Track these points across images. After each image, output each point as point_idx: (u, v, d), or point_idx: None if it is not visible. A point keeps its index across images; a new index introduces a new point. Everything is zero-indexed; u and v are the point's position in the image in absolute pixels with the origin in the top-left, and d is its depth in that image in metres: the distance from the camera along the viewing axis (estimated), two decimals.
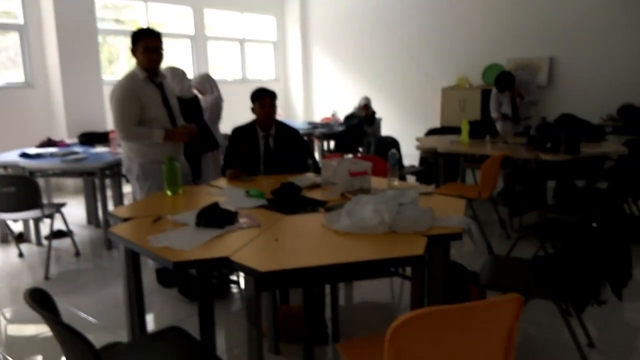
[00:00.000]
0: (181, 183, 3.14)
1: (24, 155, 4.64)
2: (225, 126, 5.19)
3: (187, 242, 2.16)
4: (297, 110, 10.56)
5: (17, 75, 6.57)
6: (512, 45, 7.98)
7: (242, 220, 2.46)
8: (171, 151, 3.49)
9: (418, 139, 5.87)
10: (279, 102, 3.83)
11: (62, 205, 4.31)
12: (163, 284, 3.67)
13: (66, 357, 1.65)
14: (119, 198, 4.67)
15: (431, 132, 6.70)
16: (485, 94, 7.55)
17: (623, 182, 4.53)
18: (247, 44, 9.91)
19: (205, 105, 4.89)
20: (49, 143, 5.34)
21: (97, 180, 4.54)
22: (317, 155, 7.13)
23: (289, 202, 3.00)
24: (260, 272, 1.86)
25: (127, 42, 3.45)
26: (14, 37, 6.51)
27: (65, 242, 4.63)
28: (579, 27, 7.41)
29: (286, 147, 3.73)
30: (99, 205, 4.77)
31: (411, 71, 9.14)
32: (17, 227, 4.85)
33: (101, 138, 5.51)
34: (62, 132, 6.54)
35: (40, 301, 1.53)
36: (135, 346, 2.08)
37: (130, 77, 3.43)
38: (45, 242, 4.65)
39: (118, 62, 8.08)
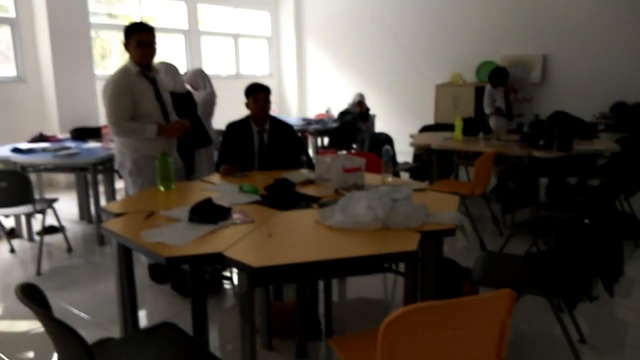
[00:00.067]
0: (174, 179, 3.12)
1: (16, 150, 4.61)
2: (219, 122, 5.18)
3: (180, 238, 2.15)
4: (291, 107, 10.54)
5: (8, 70, 6.51)
6: (506, 42, 8.00)
7: (236, 216, 2.46)
8: (164, 146, 3.47)
9: (412, 136, 5.88)
10: (273, 98, 3.82)
11: (54, 200, 4.28)
12: (156, 279, 3.66)
13: (58, 353, 1.64)
14: (111, 194, 4.65)
15: (425, 129, 6.71)
16: (479, 91, 7.57)
17: (615, 179, 4.55)
18: (241, 39, 9.87)
19: (197, 100, 4.87)
20: (41, 138, 5.30)
21: (89, 175, 4.52)
22: (310, 152, 7.13)
23: (282, 198, 3.01)
24: (253, 268, 1.86)
25: (120, 36, 3.43)
26: (5, 31, 6.45)
27: (57, 238, 4.60)
28: (573, 25, 7.44)
29: (281, 142, 3.72)
30: (91, 200, 4.74)
31: (405, 68, 9.14)
32: (9, 223, 4.81)
33: (93, 133, 5.47)
34: (54, 127, 6.50)
35: (31, 297, 1.52)
36: (128, 342, 2.07)
37: (123, 72, 3.41)
38: (37, 237, 4.62)
39: (111, 57, 8.03)
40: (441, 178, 5.28)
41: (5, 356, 2.74)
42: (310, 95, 10.51)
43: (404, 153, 6.32)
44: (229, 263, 1.98)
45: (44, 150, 4.66)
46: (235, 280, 3.53)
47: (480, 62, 8.22)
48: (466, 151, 5.27)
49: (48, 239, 4.56)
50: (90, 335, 1.81)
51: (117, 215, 2.55)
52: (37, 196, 4.38)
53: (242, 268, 1.92)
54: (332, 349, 2.05)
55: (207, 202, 2.46)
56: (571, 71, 7.55)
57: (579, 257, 2.43)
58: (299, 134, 5.99)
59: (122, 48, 3.45)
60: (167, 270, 3.55)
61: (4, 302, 3.49)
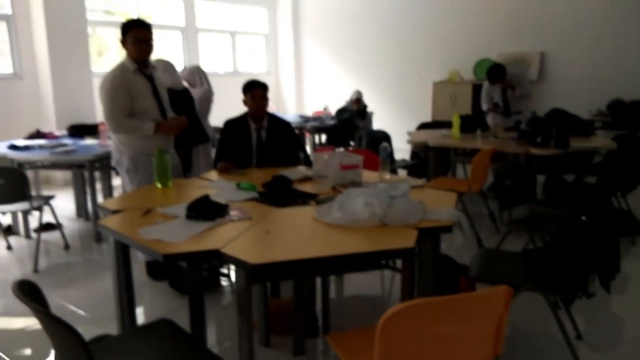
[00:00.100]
0: (171, 176, 3.12)
1: (13, 147, 4.60)
2: (216, 119, 5.16)
3: (178, 235, 2.15)
4: (288, 104, 10.53)
5: (5, 66, 6.49)
6: (504, 39, 8.00)
7: (233, 212, 2.46)
8: (161, 144, 3.47)
9: (409, 133, 5.88)
10: (270, 96, 3.82)
11: (51, 197, 4.28)
12: (153, 277, 3.66)
13: (55, 349, 1.64)
14: (108, 191, 4.64)
15: (422, 126, 6.71)
16: (476, 89, 7.58)
17: (612, 176, 4.56)
18: (239, 36, 9.85)
19: (194, 98, 4.86)
20: (38, 135, 5.29)
21: (86, 172, 4.51)
22: (308, 149, 7.13)
23: (280, 195, 3.01)
24: (251, 265, 1.86)
25: (117, 33, 3.42)
26: (1, 27, 6.42)
27: (54, 235, 4.59)
28: (571, 23, 7.45)
29: (278, 139, 3.72)
30: (88, 198, 4.74)
31: (403, 65, 9.14)
32: (6, 220, 4.80)
33: (90, 130, 5.47)
34: (51, 124, 6.48)
35: (29, 293, 1.51)
36: (125, 338, 2.07)
37: (120, 68, 3.40)
38: (34, 234, 4.62)
39: (108, 54, 8.00)
40: (438, 175, 5.28)
41: (3, 353, 2.74)
42: (308, 92, 10.50)
43: (401, 150, 6.33)
44: (226, 260, 1.98)
45: (40, 147, 4.66)
46: (233, 277, 3.53)
47: (478, 60, 8.22)
48: (463, 148, 5.28)
49: (45, 236, 4.56)
50: (87, 332, 1.81)
51: (114, 212, 2.54)
52: (34, 193, 4.38)
53: (240, 265, 1.92)
54: (329, 345, 2.05)
55: (205, 199, 2.46)
56: (568, 68, 7.56)
57: (575, 253, 2.44)
58: (297, 131, 5.99)
59: (119, 45, 3.44)
60: (165, 268, 3.55)
61: (0, 300, 3.48)
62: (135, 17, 3.43)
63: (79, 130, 5.46)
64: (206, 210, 2.38)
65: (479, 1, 8.20)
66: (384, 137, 5.75)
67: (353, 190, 2.43)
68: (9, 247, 4.39)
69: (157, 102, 3.53)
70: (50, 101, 6.57)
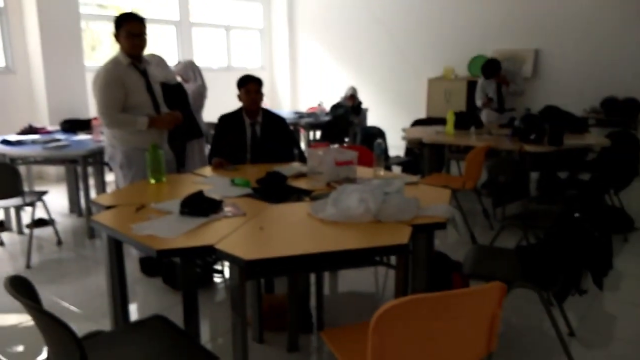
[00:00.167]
0: (165, 171, 3.11)
1: (5, 142, 4.56)
2: (211, 115, 5.15)
3: (171, 230, 2.14)
4: (283, 100, 10.51)
5: None
6: (498, 36, 8.01)
7: (227, 208, 2.45)
8: (155, 139, 3.45)
9: (404, 130, 5.89)
10: (265, 91, 3.80)
11: (44, 193, 4.25)
12: (147, 273, 3.65)
13: (48, 346, 1.63)
14: (101, 186, 4.62)
15: (417, 123, 6.72)
16: (471, 85, 7.59)
17: (605, 173, 4.59)
18: (233, 31, 9.81)
19: (188, 93, 4.84)
20: (31, 130, 5.25)
21: (79, 168, 4.48)
22: (303, 145, 7.12)
23: (274, 191, 3.00)
24: (245, 261, 1.86)
25: (110, 27, 3.40)
26: None
27: (47, 231, 4.57)
28: (565, 20, 7.46)
29: (273, 135, 3.71)
30: (82, 193, 4.71)
31: (397, 62, 9.13)
32: None
33: (84, 125, 5.44)
34: (43, 119, 6.43)
35: (21, 289, 1.50)
36: (118, 335, 2.06)
37: (114, 63, 3.37)
38: (26, 230, 4.59)
39: (101, 48, 7.95)
40: (433, 172, 5.29)
41: None
42: (303, 88, 10.48)
43: (396, 147, 6.33)
44: (220, 256, 1.98)
45: (33, 142, 4.62)
46: (227, 274, 3.52)
47: (472, 56, 8.23)
48: (458, 145, 5.28)
49: (38, 231, 4.53)
50: (80, 329, 1.81)
51: (108, 207, 2.53)
52: (26, 189, 4.35)
53: (234, 261, 1.92)
54: (323, 341, 2.05)
55: (199, 195, 2.45)
56: (562, 66, 7.58)
57: (568, 250, 2.45)
58: (291, 128, 5.98)
59: (112, 39, 3.42)
60: (158, 264, 3.54)
61: None
62: (128, 10, 3.40)
63: (72, 126, 5.43)
64: (200, 206, 2.37)
65: None
66: (379, 133, 5.75)
67: (347, 187, 2.43)
68: (1, 243, 4.37)
69: (151, 97, 3.51)
70: (43, 96, 6.52)
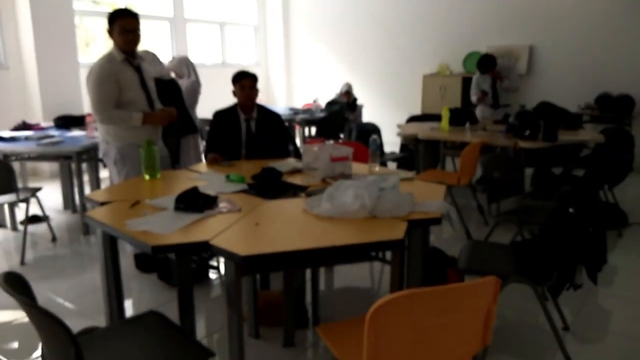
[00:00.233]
0: (159, 167, 3.10)
1: None
2: (205, 111, 5.13)
3: (166, 226, 2.14)
4: (278, 96, 10.49)
5: None
6: (493, 33, 8.02)
7: (222, 204, 2.44)
8: (149, 135, 3.44)
9: (399, 126, 5.89)
10: (260, 88, 3.79)
11: (38, 189, 4.23)
12: (142, 269, 3.64)
13: (43, 342, 1.62)
14: (95, 183, 4.60)
15: (412, 119, 6.72)
16: (466, 82, 7.60)
17: (599, 169, 4.61)
18: (227, 27, 9.78)
19: (182, 89, 4.82)
20: (24, 126, 5.22)
21: (73, 164, 4.46)
22: (298, 142, 7.11)
23: (269, 187, 3.00)
24: (240, 256, 1.86)
25: (104, 23, 3.38)
26: None
27: (41, 227, 4.55)
28: (559, 17, 7.47)
29: (268, 131, 3.71)
30: (76, 190, 4.69)
31: (393, 58, 9.12)
32: None
33: (77, 121, 5.41)
34: (37, 115, 6.40)
35: (15, 286, 1.50)
36: (113, 331, 2.05)
37: (108, 59, 3.35)
38: (20, 227, 4.57)
39: (95, 44, 7.91)
40: (428, 168, 5.30)
41: None
42: (298, 84, 10.47)
43: (391, 143, 6.34)
44: (215, 252, 1.97)
45: (27, 138, 4.60)
46: (222, 270, 3.52)
47: (467, 53, 8.24)
48: (453, 141, 5.29)
49: (32, 228, 4.51)
50: (75, 325, 1.80)
51: (102, 204, 2.52)
52: (20, 185, 4.32)
53: (229, 256, 1.92)
54: (319, 336, 2.05)
55: (193, 191, 2.44)
56: (557, 62, 7.60)
57: (563, 245, 2.46)
58: (286, 124, 5.97)
59: (106, 35, 3.40)
60: (153, 260, 3.53)
61: None
62: (122, 6, 3.38)
63: (66, 122, 5.40)
64: (195, 202, 2.37)
65: None
66: (374, 129, 5.75)
67: (343, 182, 2.43)
68: None
69: (145, 93, 3.49)
70: (36, 92, 6.48)
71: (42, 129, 5.26)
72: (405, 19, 8.87)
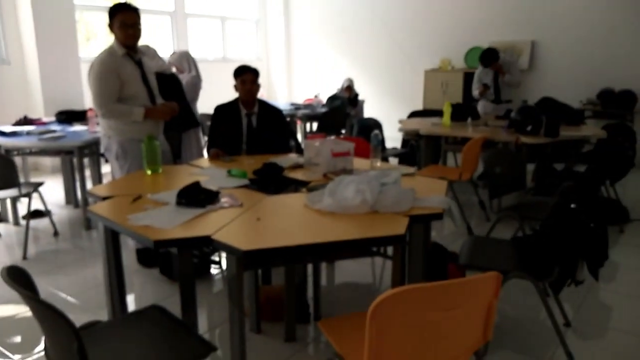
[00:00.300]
0: (161, 162, 3.10)
1: (0, 133, 4.54)
2: (206, 106, 5.12)
3: (168, 221, 2.14)
4: (279, 91, 10.47)
5: None
6: (495, 28, 7.99)
7: (224, 199, 2.45)
8: (151, 129, 3.44)
9: (400, 121, 5.88)
10: (261, 83, 3.79)
11: (40, 184, 4.23)
12: (144, 264, 3.65)
13: (46, 336, 1.63)
14: (97, 177, 4.60)
15: (413, 115, 6.71)
16: (468, 77, 7.58)
17: (601, 165, 4.60)
18: (228, 21, 9.76)
19: (182, 83, 4.81)
20: (26, 121, 5.23)
21: (75, 159, 4.47)
22: (299, 137, 7.11)
23: (271, 182, 3.00)
24: (242, 251, 1.86)
25: (105, 18, 3.37)
26: None
27: (43, 222, 4.56)
28: (562, 12, 7.45)
29: (269, 126, 3.70)
30: (78, 184, 4.70)
31: (394, 53, 9.10)
32: None
33: (79, 116, 5.42)
34: (39, 110, 6.40)
35: (18, 280, 1.50)
36: (115, 325, 2.06)
37: (109, 53, 3.35)
38: (22, 221, 4.58)
39: (96, 39, 7.90)
40: (429, 163, 5.29)
41: None
42: (299, 80, 10.45)
43: (392, 139, 6.33)
44: (217, 246, 1.98)
45: (28, 133, 4.60)
46: (224, 265, 3.53)
47: (469, 48, 8.22)
48: (454, 137, 5.28)
49: (34, 223, 4.52)
50: (77, 319, 1.80)
51: (104, 198, 2.52)
52: (22, 180, 4.33)
53: (231, 251, 1.92)
54: (320, 331, 2.06)
55: (195, 186, 2.44)
56: (559, 57, 7.58)
57: (564, 241, 2.46)
58: (288, 119, 5.97)
59: (107, 30, 3.39)
60: (155, 255, 3.54)
61: None
62: (122, 1, 3.37)
63: (68, 117, 5.41)
64: (197, 197, 2.37)
65: None
66: (375, 125, 5.74)
67: (344, 178, 2.43)
68: None
69: (146, 88, 3.49)
70: (37, 87, 6.48)
71: (44, 123, 5.27)
72: (407, 14, 8.84)
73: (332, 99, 7.40)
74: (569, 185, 2.74)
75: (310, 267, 3.00)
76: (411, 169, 3.21)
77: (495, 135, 4.83)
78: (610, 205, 4.53)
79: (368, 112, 8.08)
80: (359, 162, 3.26)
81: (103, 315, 2.70)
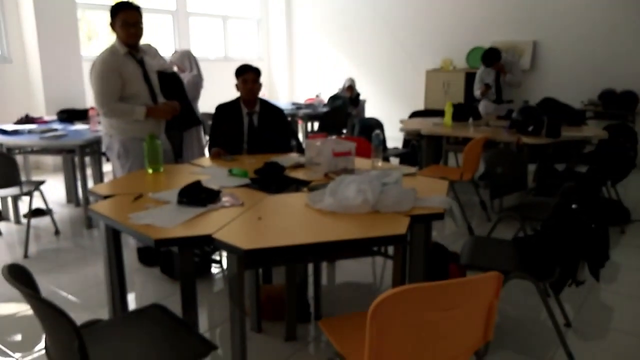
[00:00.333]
0: (162, 161, 3.10)
1: (1, 131, 4.54)
2: (207, 105, 5.12)
3: (169, 220, 2.14)
4: (280, 91, 10.48)
5: None
6: (497, 28, 7.99)
7: (225, 198, 2.45)
8: (153, 128, 3.44)
9: (402, 121, 5.88)
10: (262, 82, 3.79)
11: (41, 182, 4.24)
12: (144, 262, 3.65)
13: (46, 334, 1.63)
14: (99, 176, 4.61)
15: (415, 115, 6.71)
16: (469, 77, 7.58)
17: (602, 166, 4.59)
18: (230, 21, 9.76)
19: (183, 82, 4.81)
20: (27, 120, 5.23)
21: (76, 158, 4.47)
22: (300, 137, 7.11)
23: (272, 181, 3.00)
24: (243, 250, 1.86)
25: (107, 16, 3.37)
26: None
27: (44, 221, 4.56)
28: (563, 12, 7.44)
29: (270, 125, 3.71)
30: (79, 183, 4.70)
31: (396, 53, 9.10)
32: None
33: (80, 115, 5.42)
34: (40, 109, 6.41)
35: (19, 278, 1.50)
36: (116, 323, 2.06)
37: (111, 52, 3.35)
38: (24, 220, 4.58)
39: (97, 38, 7.90)
40: (430, 163, 5.30)
41: None
42: (300, 79, 10.45)
43: (393, 138, 6.33)
44: (218, 245, 1.98)
45: (30, 131, 4.61)
46: (224, 264, 3.53)
47: (471, 48, 8.21)
48: (456, 137, 5.28)
49: (35, 221, 4.53)
50: (78, 318, 1.81)
51: (105, 197, 2.52)
52: (23, 178, 4.33)
53: (232, 250, 1.92)
54: (321, 331, 2.06)
55: (196, 185, 2.44)
56: (561, 58, 7.57)
57: (565, 241, 2.46)
58: (289, 119, 5.96)
59: (109, 29, 3.39)
60: (156, 254, 3.54)
61: None
62: None
63: (69, 115, 5.41)
64: (198, 196, 2.37)
65: None
66: (377, 124, 5.74)
67: (346, 177, 2.43)
68: None
69: (148, 87, 3.49)
70: (39, 86, 6.49)
71: (45, 122, 5.27)
72: (408, 13, 8.84)
73: (333, 98, 7.40)
74: (570, 185, 2.74)
75: (311, 267, 3.01)
76: (412, 169, 3.21)
77: (497, 136, 4.83)
78: (611, 206, 4.52)
79: (369, 112, 8.08)
80: (360, 162, 3.26)
81: (104, 314, 2.70)
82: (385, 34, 9.15)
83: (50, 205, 4.52)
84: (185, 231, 2.05)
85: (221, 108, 3.73)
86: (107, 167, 4.86)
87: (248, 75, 3.61)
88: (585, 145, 5.21)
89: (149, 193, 2.53)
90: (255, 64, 3.81)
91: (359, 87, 7.80)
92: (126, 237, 2.95)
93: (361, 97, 7.79)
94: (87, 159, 4.50)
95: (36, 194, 4.11)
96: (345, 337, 1.79)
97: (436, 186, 2.73)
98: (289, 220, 2.23)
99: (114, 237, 2.49)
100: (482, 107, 6.25)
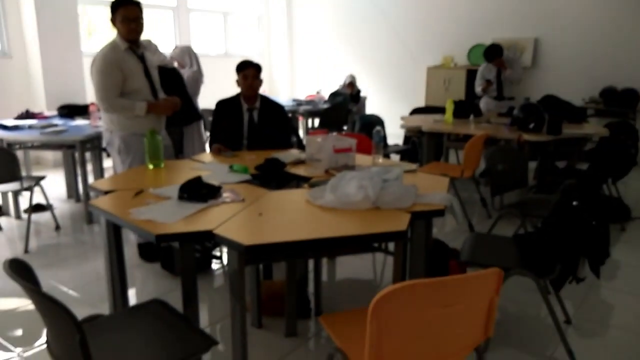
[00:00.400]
0: (163, 157, 3.10)
1: (2, 127, 4.54)
2: (208, 101, 5.11)
3: (170, 215, 2.14)
4: (281, 87, 10.46)
5: None
6: (498, 25, 7.98)
7: (226, 194, 2.45)
8: (153, 124, 3.43)
9: (403, 118, 5.88)
10: (263, 78, 3.78)
11: (42, 178, 4.24)
12: (145, 258, 3.65)
13: (48, 329, 1.63)
14: (99, 172, 4.61)
15: (416, 111, 6.71)
16: (470, 74, 7.57)
17: (603, 163, 4.60)
18: (231, 17, 9.74)
19: (183, 78, 4.80)
20: (28, 115, 5.23)
21: (77, 153, 4.47)
22: (301, 133, 7.10)
23: (273, 177, 3.00)
24: (244, 246, 1.86)
25: (107, 12, 3.36)
26: None
27: (45, 216, 4.57)
28: (565, 9, 7.43)
29: (270, 121, 3.70)
30: (79, 179, 4.70)
31: (397, 50, 9.09)
32: None
33: (81, 110, 5.41)
34: (41, 104, 6.40)
35: (20, 272, 1.50)
36: (117, 318, 2.07)
37: (112, 47, 3.35)
38: (24, 215, 4.58)
39: (98, 33, 7.89)
40: (431, 160, 5.29)
41: None
42: (301, 76, 10.44)
43: (394, 135, 6.33)
44: (219, 241, 1.98)
45: (30, 127, 4.60)
46: (225, 260, 3.53)
47: (472, 45, 8.20)
48: (456, 134, 5.28)
49: (36, 217, 4.53)
50: (79, 313, 1.81)
51: (106, 192, 2.52)
52: (24, 174, 4.33)
53: (233, 246, 1.92)
54: (321, 326, 2.07)
55: (197, 181, 2.44)
56: (562, 55, 7.56)
57: (566, 238, 2.46)
58: (289, 115, 5.96)
59: (110, 25, 3.39)
60: (157, 249, 3.54)
61: None
62: None
63: (70, 111, 5.41)
64: (199, 192, 2.37)
65: None
66: (377, 121, 5.74)
67: (346, 174, 2.43)
68: (0, 228, 4.37)
69: (149, 82, 3.49)
70: (40, 81, 6.48)
71: (46, 117, 5.27)
72: (409, 11, 8.82)
73: (334, 95, 7.39)
74: (571, 183, 2.74)
75: (311, 263, 3.01)
76: (413, 166, 3.21)
77: (498, 133, 4.82)
78: (612, 203, 4.53)
79: (370, 109, 8.08)
80: (360, 159, 3.26)
81: (104, 309, 2.70)
82: (386, 31, 9.13)
83: (51, 201, 4.52)
84: (186, 227, 2.05)
85: (221, 104, 3.73)
86: (107, 163, 4.86)
87: (248, 71, 3.60)
88: (586, 142, 5.20)
89: (150, 188, 2.53)
90: (255, 60, 3.81)
91: (360, 84, 7.79)
92: (127, 232, 2.95)
93: (362, 94, 7.78)
94: (88, 155, 4.50)
95: (37, 189, 4.12)
96: (346, 332, 1.79)
97: (437, 183, 2.73)
98: (290, 216, 2.23)
99: (114, 233, 2.49)
100: (483, 104, 6.24)
